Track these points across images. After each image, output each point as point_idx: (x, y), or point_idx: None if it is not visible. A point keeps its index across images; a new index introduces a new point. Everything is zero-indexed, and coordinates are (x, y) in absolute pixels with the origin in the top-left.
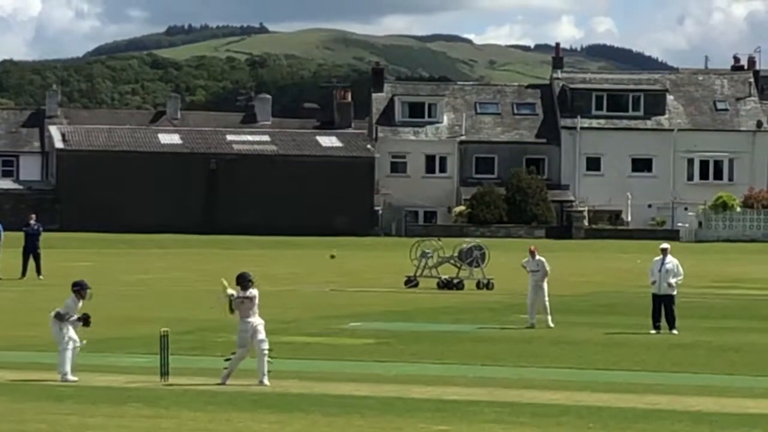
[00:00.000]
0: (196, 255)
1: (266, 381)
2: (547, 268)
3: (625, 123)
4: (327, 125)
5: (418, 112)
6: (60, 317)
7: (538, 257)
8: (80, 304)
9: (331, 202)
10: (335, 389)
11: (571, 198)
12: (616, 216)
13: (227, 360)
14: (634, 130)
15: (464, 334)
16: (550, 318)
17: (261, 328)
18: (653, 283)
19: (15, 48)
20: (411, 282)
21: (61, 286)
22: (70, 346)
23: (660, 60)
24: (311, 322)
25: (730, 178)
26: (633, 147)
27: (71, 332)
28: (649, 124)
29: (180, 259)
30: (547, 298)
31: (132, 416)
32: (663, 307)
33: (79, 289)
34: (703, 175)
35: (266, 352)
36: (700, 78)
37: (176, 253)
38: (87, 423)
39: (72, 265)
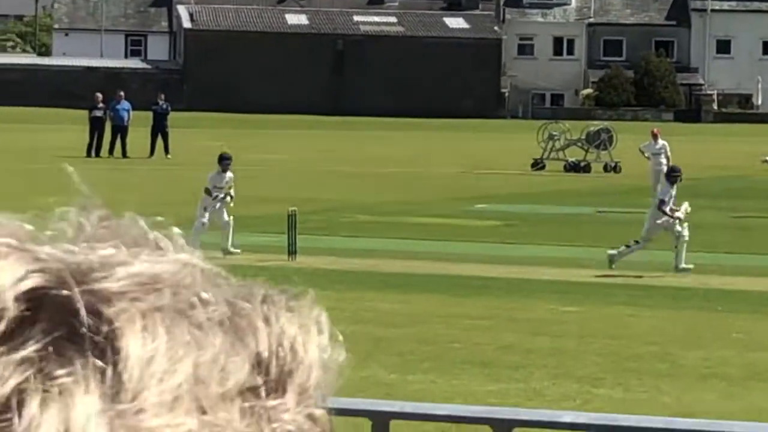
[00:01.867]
0: (321, 136)
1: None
2: (669, 154)
3: (756, 5)
4: (454, 6)
5: None
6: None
7: (661, 141)
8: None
9: (457, 84)
10: (462, 270)
11: (701, 81)
12: (746, 100)
13: (627, 246)
14: (767, 12)
15: (591, 217)
16: None
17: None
18: (763, 161)
19: None
20: (538, 165)
21: (186, 165)
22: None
23: None
24: (439, 204)
25: None
26: (765, 29)
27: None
28: None
29: (305, 140)
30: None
31: None
32: None
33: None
34: None
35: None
36: None
37: (301, 134)
38: None
39: (199, 145)
